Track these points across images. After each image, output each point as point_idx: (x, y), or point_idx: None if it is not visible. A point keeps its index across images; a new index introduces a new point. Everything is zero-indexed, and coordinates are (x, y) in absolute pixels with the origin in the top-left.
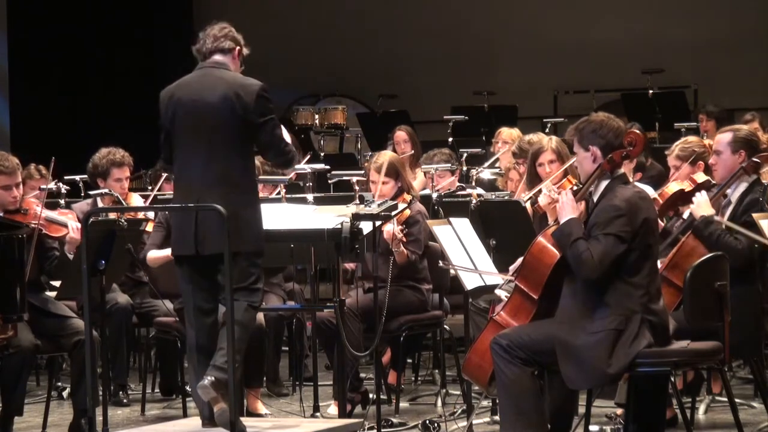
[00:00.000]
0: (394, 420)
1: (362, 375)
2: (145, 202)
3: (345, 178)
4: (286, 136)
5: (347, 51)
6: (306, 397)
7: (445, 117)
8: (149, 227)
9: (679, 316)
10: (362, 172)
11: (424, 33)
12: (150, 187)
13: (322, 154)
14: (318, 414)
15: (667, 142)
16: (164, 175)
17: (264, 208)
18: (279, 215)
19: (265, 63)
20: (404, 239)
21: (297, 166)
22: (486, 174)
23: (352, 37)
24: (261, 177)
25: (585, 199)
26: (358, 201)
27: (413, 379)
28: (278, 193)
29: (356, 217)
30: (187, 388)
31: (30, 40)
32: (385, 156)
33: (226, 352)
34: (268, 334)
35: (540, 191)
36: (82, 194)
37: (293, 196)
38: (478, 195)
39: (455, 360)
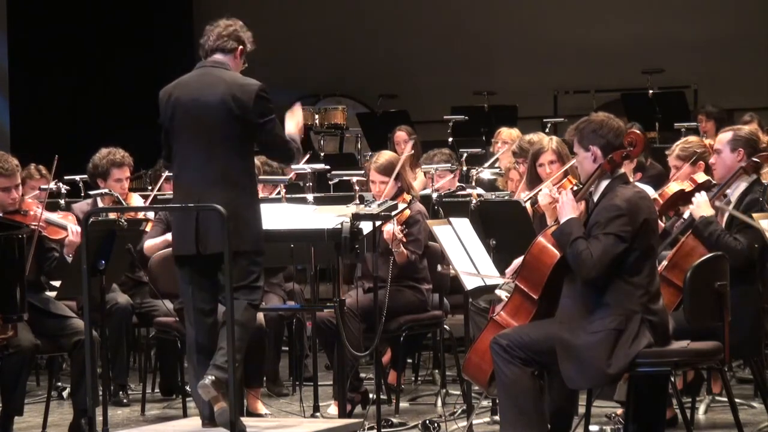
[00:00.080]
0: (394, 420)
1: (362, 375)
2: (145, 202)
3: (345, 178)
4: (291, 129)
5: (347, 51)
6: (306, 397)
7: (445, 117)
8: (149, 227)
9: (679, 316)
10: (362, 172)
11: (424, 33)
12: (150, 187)
13: (322, 154)
14: (318, 414)
15: (667, 142)
16: (164, 175)
17: (264, 208)
18: (279, 215)
19: (265, 63)
20: (404, 239)
21: (297, 166)
22: (486, 174)
23: (352, 37)
24: (261, 177)
25: (585, 199)
26: (358, 201)
27: (413, 379)
28: (278, 193)
29: (356, 217)
30: (187, 388)
31: (30, 40)
32: (391, 155)
33: (226, 352)
34: (268, 334)
35: (540, 191)
36: (82, 194)
37: (293, 196)
38: (478, 195)
39: (455, 360)
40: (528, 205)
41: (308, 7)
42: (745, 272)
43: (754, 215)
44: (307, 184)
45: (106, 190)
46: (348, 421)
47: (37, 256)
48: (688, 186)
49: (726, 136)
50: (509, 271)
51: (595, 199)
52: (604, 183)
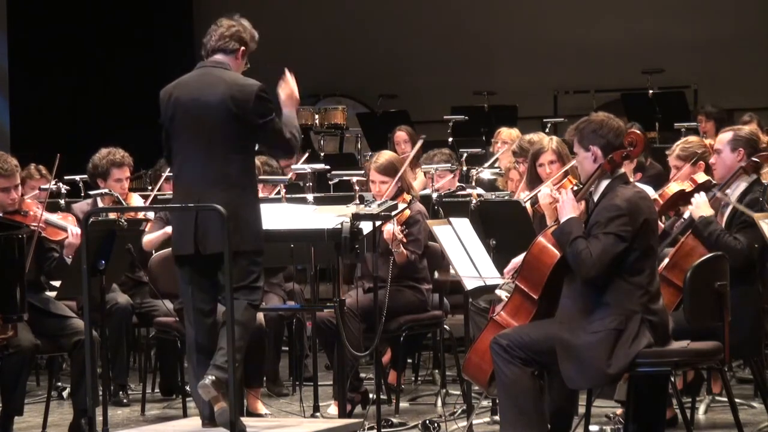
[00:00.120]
0: (394, 420)
1: (362, 375)
2: (145, 202)
3: (345, 178)
4: (284, 101)
5: (347, 51)
6: (306, 397)
7: (445, 117)
8: (149, 227)
9: (679, 316)
10: (362, 172)
11: (424, 33)
12: (150, 187)
13: (322, 154)
14: (318, 414)
15: (667, 142)
16: (164, 175)
17: (264, 208)
18: (279, 215)
19: (265, 63)
20: (404, 240)
21: (297, 166)
22: (486, 174)
23: (352, 37)
24: (261, 177)
25: (585, 198)
26: (358, 201)
27: (413, 379)
28: (278, 193)
29: (356, 217)
30: (187, 388)
31: (30, 40)
32: (391, 155)
33: (226, 352)
34: (268, 334)
35: (540, 191)
36: (82, 194)
37: (293, 196)
38: (478, 195)
39: (455, 360)
40: (528, 205)
41: (308, 7)
42: (745, 272)
43: (755, 215)
44: (307, 184)
45: (106, 190)
46: (348, 421)
47: (36, 257)
48: (688, 186)
49: (726, 136)
50: (507, 270)
51: (596, 199)
52: (605, 183)
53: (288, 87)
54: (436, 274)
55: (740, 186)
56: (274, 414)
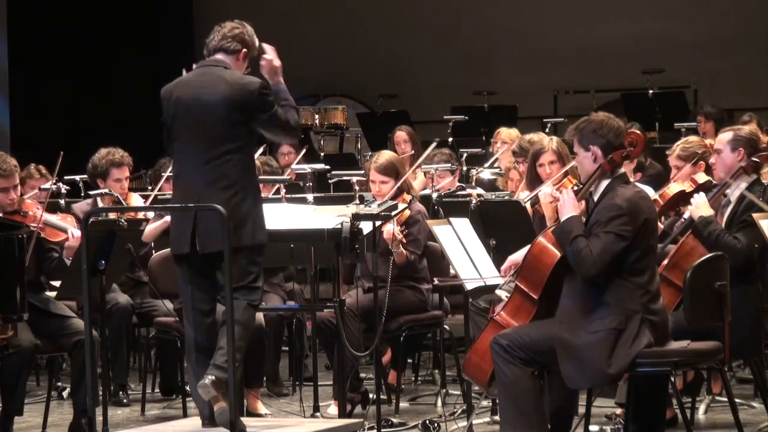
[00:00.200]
0: (394, 420)
1: (362, 375)
2: (145, 202)
3: (345, 178)
4: (282, 93)
5: (347, 51)
6: (306, 397)
7: (445, 117)
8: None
9: (679, 316)
10: (362, 172)
11: (424, 33)
12: (150, 187)
13: (322, 154)
14: (318, 414)
15: (667, 142)
16: (164, 175)
17: (264, 208)
18: (279, 215)
19: None
20: (404, 240)
21: (297, 166)
22: (486, 174)
23: (352, 37)
24: (261, 177)
25: (585, 198)
26: (358, 201)
27: (413, 379)
28: (278, 193)
29: (356, 217)
30: (187, 388)
31: (30, 40)
32: (391, 155)
33: (226, 352)
34: (268, 334)
35: (540, 191)
36: (82, 194)
37: (293, 196)
38: (478, 195)
39: (455, 360)
40: (528, 205)
41: (308, 7)
42: (745, 272)
43: (754, 215)
44: (307, 184)
45: (106, 190)
46: (348, 421)
47: (36, 257)
48: (688, 187)
49: (726, 135)
50: (505, 268)
51: (596, 198)
52: (605, 183)
53: (265, 59)
54: (436, 281)
55: (740, 186)
56: (274, 414)
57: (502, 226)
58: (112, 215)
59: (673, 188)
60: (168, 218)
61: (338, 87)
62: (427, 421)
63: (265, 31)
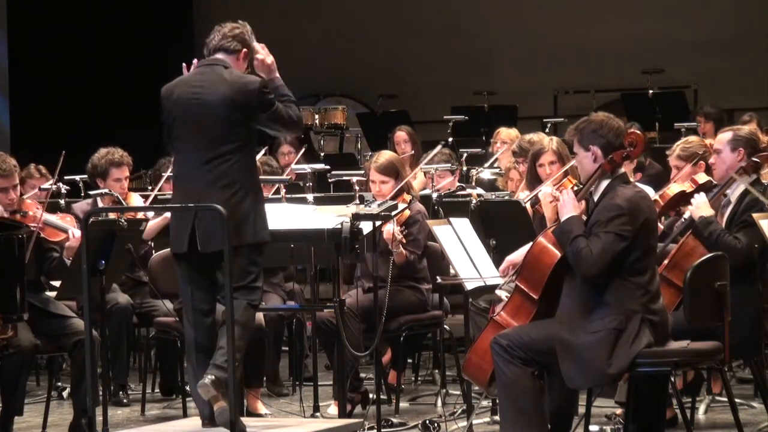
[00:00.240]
0: (394, 420)
1: (362, 375)
2: (145, 202)
3: (345, 178)
4: (279, 89)
5: (347, 51)
6: (306, 397)
7: (445, 117)
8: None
9: (679, 316)
10: (362, 172)
11: (424, 33)
12: (150, 187)
13: (322, 154)
14: (318, 414)
15: (667, 142)
16: (164, 175)
17: (264, 207)
18: (279, 215)
19: None
20: (404, 240)
21: (297, 166)
22: (486, 174)
23: (352, 37)
24: (261, 177)
25: (585, 198)
26: (358, 201)
27: (413, 379)
28: (278, 193)
29: (356, 217)
30: (187, 388)
31: (30, 40)
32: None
33: (226, 351)
34: (268, 334)
35: (540, 191)
36: (82, 194)
37: (293, 196)
38: (478, 195)
39: (455, 360)
40: (528, 205)
41: (308, 7)
42: (745, 272)
43: (754, 215)
44: (307, 184)
45: (106, 190)
46: (348, 421)
47: (36, 257)
48: (689, 187)
49: (726, 136)
50: (502, 268)
51: (596, 198)
52: (605, 183)
53: (257, 58)
54: (439, 279)
55: (740, 186)
56: (274, 414)
57: (502, 226)
58: (112, 215)
59: (673, 188)
60: (168, 215)
61: (338, 87)
62: (427, 421)
63: (265, 31)
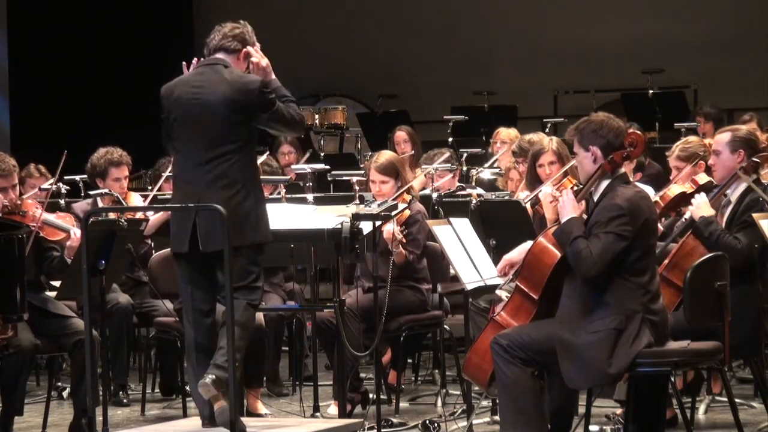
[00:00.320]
0: (394, 420)
1: (362, 375)
2: (145, 201)
3: (345, 178)
4: (279, 91)
5: (347, 51)
6: (306, 397)
7: (445, 117)
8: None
9: (679, 316)
10: (362, 172)
11: (424, 33)
12: (150, 187)
13: (322, 154)
14: (318, 414)
15: (667, 142)
16: (164, 175)
17: (265, 207)
18: (279, 215)
19: None
20: (404, 240)
21: (297, 166)
22: (486, 174)
23: (352, 37)
24: (261, 177)
25: (585, 198)
26: (358, 201)
27: (413, 379)
28: (278, 193)
29: (356, 217)
30: (187, 388)
31: (30, 40)
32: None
33: (226, 351)
34: (268, 334)
35: (540, 191)
36: (82, 194)
37: (293, 196)
38: (478, 195)
39: (455, 360)
40: (528, 205)
41: (308, 7)
42: (745, 272)
43: (754, 215)
44: (307, 184)
45: (106, 190)
46: (348, 421)
47: (36, 256)
48: (689, 188)
49: (724, 137)
50: (500, 267)
51: (596, 198)
52: (605, 183)
53: (252, 62)
54: (440, 288)
55: (740, 186)
56: (274, 414)
57: (502, 226)
58: (112, 215)
59: (674, 189)
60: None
61: (338, 87)
62: (427, 421)
63: (265, 31)
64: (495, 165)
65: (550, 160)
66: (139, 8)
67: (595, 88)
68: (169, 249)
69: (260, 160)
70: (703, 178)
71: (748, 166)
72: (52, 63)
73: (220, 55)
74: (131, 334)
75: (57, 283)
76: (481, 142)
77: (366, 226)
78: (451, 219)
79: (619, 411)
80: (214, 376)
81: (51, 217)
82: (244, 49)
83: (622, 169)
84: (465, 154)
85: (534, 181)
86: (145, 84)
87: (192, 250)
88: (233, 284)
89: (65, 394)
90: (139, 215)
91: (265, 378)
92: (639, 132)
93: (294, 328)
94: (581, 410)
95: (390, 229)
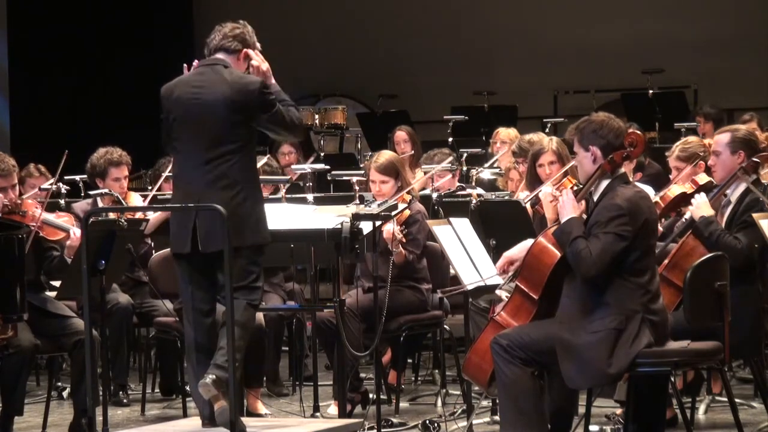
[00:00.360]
0: (394, 420)
1: (362, 375)
2: (144, 201)
3: (345, 178)
4: (278, 94)
5: (347, 51)
6: (306, 397)
7: (445, 117)
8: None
9: (679, 316)
10: (362, 172)
11: (424, 33)
12: (150, 187)
13: (322, 154)
14: (318, 414)
15: (667, 142)
16: (164, 175)
17: (264, 208)
18: (279, 215)
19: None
20: (404, 240)
21: (297, 166)
22: (486, 174)
23: (352, 37)
24: (261, 177)
25: (585, 198)
26: (358, 201)
27: (413, 379)
28: (278, 193)
29: (356, 217)
30: (187, 388)
31: (30, 40)
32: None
33: (226, 351)
34: (268, 334)
35: (540, 191)
36: (82, 194)
37: (293, 196)
38: (478, 195)
39: (455, 360)
40: (528, 205)
41: (308, 8)
42: (745, 272)
43: (754, 215)
44: (307, 184)
45: (106, 190)
46: (348, 421)
47: (36, 256)
48: (689, 188)
49: (724, 137)
50: (499, 266)
51: (596, 198)
52: (605, 183)
53: (252, 66)
54: (438, 293)
55: (740, 187)
56: (274, 414)
57: (502, 226)
58: (112, 215)
59: (674, 190)
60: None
61: (338, 87)
62: (427, 421)
63: (265, 31)
64: (495, 165)
65: (550, 160)
66: (139, 8)
67: (595, 88)
68: (169, 249)
69: (261, 161)
70: (703, 179)
71: (748, 166)
72: (52, 63)
73: (220, 56)
74: (131, 334)
75: (57, 283)
76: (481, 142)
77: (366, 226)
78: (451, 219)
79: (619, 411)
80: (214, 376)
81: (51, 216)
82: (245, 50)
83: (622, 169)
84: (465, 154)
85: (534, 181)
86: (145, 84)
87: (192, 250)
88: (233, 284)
89: (65, 394)
90: (139, 215)
91: (265, 378)
92: (639, 132)
93: (294, 328)
94: (581, 410)
95: (390, 229)
